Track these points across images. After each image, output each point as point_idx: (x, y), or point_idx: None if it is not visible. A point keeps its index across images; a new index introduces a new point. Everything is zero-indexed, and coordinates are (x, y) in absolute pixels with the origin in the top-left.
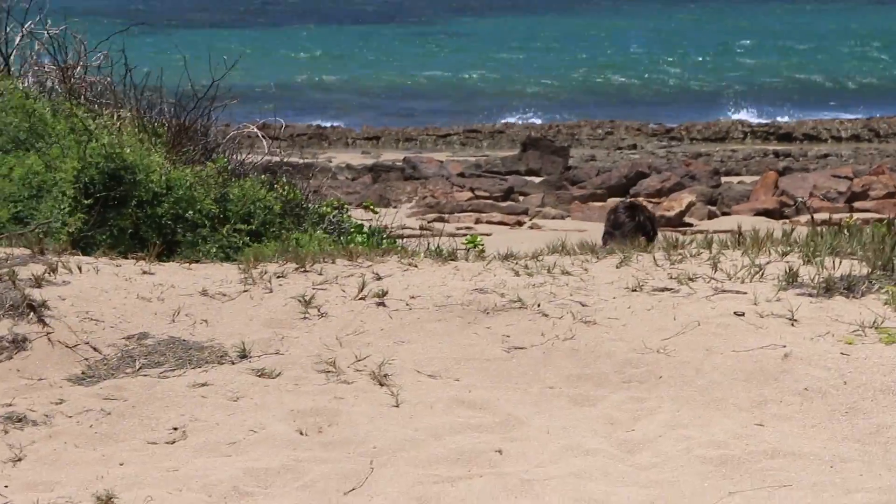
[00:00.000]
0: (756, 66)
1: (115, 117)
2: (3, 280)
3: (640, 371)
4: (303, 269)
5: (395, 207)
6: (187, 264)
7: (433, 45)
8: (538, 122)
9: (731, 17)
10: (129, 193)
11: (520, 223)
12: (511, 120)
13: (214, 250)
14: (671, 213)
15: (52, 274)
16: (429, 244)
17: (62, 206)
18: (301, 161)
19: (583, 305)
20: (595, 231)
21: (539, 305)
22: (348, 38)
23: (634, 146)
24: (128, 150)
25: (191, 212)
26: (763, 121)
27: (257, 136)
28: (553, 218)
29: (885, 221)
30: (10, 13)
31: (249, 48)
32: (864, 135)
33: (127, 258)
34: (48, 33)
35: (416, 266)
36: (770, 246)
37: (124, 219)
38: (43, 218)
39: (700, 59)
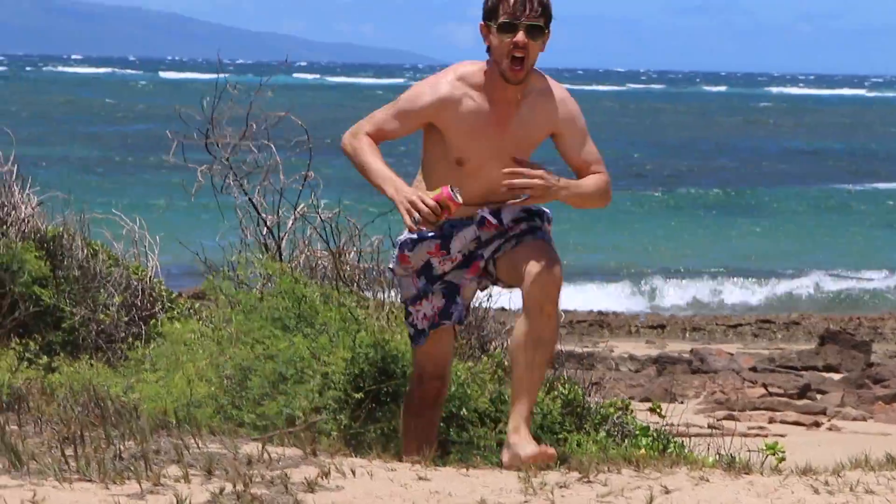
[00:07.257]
0: None
1: (384, 305)
2: (276, 484)
3: None
4: (586, 480)
5: (681, 403)
6: (464, 469)
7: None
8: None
9: None
10: (400, 389)
11: (817, 424)
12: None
13: (486, 454)
14: None
15: (324, 478)
16: (718, 449)
17: (328, 401)
18: (581, 350)
19: None
20: None
21: None
22: None
23: None
24: (399, 338)
25: (464, 409)
26: None
27: None
28: (854, 419)
29: None
30: (282, 194)
31: None
32: None
33: (401, 461)
34: (321, 217)
35: (707, 480)
36: None
37: (396, 417)
38: (300, 408)
39: None
